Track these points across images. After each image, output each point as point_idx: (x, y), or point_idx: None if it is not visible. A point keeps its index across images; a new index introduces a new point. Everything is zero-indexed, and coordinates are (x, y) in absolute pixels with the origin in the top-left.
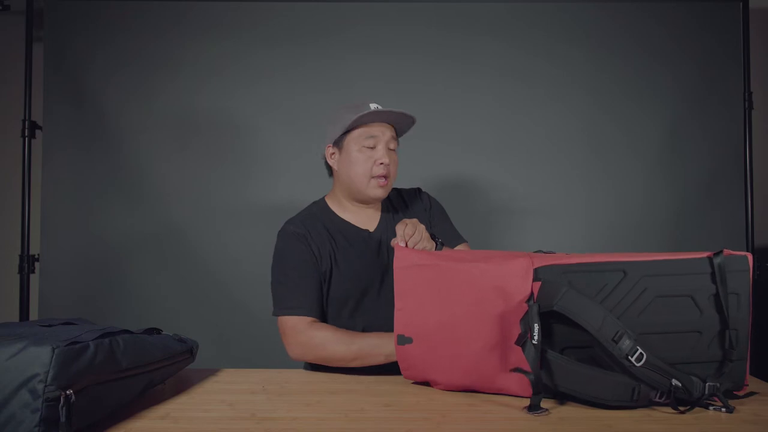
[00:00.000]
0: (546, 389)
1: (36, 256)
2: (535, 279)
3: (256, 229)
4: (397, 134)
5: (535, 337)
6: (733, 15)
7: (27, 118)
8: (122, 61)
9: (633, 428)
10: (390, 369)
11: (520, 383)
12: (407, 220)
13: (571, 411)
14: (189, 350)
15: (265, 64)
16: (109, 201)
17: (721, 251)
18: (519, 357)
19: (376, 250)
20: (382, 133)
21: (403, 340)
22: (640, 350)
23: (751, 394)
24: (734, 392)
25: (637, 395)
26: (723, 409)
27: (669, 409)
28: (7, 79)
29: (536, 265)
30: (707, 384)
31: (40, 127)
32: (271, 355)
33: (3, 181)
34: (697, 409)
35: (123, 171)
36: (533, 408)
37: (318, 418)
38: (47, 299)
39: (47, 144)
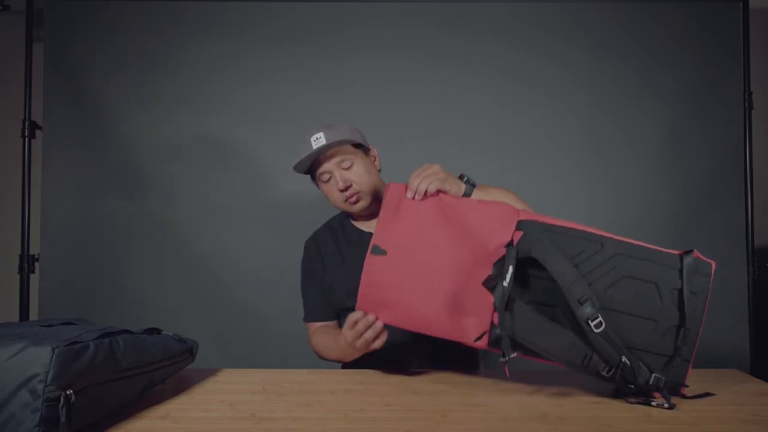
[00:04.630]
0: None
1: (36, 256)
2: (517, 229)
3: (256, 229)
4: (352, 142)
5: (507, 278)
6: (733, 15)
7: (27, 118)
8: (122, 61)
9: (633, 428)
10: (390, 369)
11: (476, 327)
12: (424, 169)
13: (572, 411)
14: (189, 350)
15: (265, 64)
16: (109, 201)
17: (692, 251)
18: (478, 304)
19: None
20: (329, 162)
21: (377, 251)
22: (600, 318)
23: (707, 394)
24: (682, 392)
25: (587, 362)
26: (665, 405)
27: (669, 410)
28: (7, 79)
29: (521, 218)
30: (653, 374)
31: (40, 127)
32: (271, 355)
33: (3, 181)
34: (645, 408)
35: (123, 171)
36: (495, 344)
37: (318, 418)
38: (47, 299)
39: (47, 144)
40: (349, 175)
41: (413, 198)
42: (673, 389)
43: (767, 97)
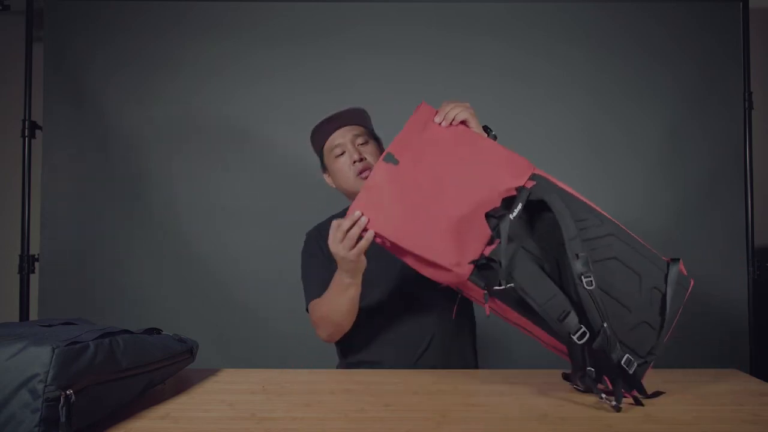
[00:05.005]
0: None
1: (36, 256)
2: (530, 179)
3: (256, 229)
4: (368, 127)
5: (515, 212)
6: (733, 15)
7: (27, 118)
8: (122, 61)
9: (633, 428)
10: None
11: (471, 254)
12: (456, 101)
13: (572, 411)
14: (189, 350)
15: (265, 64)
16: (109, 201)
17: (678, 260)
18: (478, 234)
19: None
20: (343, 136)
21: (389, 158)
22: (592, 278)
23: (658, 393)
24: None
25: (563, 317)
26: (613, 403)
27: (669, 410)
28: (7, 79)
29: (536, 171)
30: (626, 355)
31: (40, 127)
32: (271, 355)
33: (3, 181)
34: (644, 408)
35: (123, 171)
36: (479, 276)
37: (318, 418)
38: (47, 299)
39: (47, 144)
40: (363, 150)
41: (440, 123)
42: (632, 386)
43: (767, 97)
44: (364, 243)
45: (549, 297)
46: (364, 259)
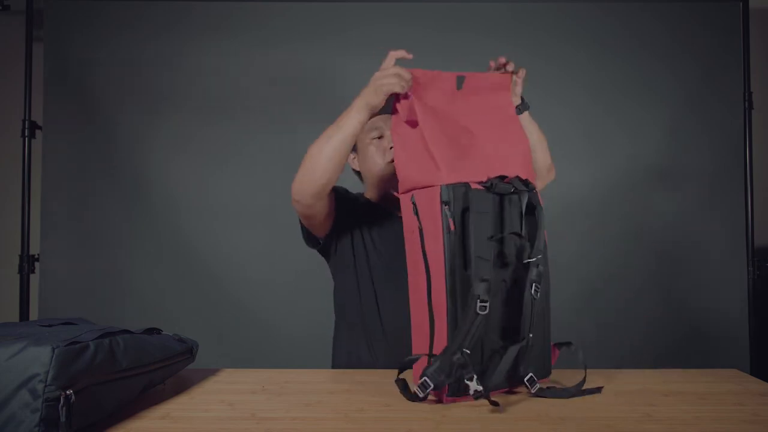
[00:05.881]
0: None
1: (36, 256)
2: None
3: (255, 229)
4: None
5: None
6: (733, 15)
7: (27, 118)
8: (122, 61)
9: (633, 428)
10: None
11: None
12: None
13: (572, 411)
14: (189, 350)
15: (265, 64)
16: (109, 201)
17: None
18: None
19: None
20: (384, 121)
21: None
22: (539, 288)
23: (599, 389)
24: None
25: (483, 278)
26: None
27: (669, 410)
28: (7, 79)
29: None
30: (530, 374)
31: (40, 127)
32: (271, 355)
33: (3, 181)
34: (645, 408)
35: (123, 171)
36: None
37: (318, 418)
38: (47, 299)
39: (47, 144)
40: None
41: (495, 66)
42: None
43: (767, 97)
44: (395, 81)
45: (486, 248)
46: (381, 100)
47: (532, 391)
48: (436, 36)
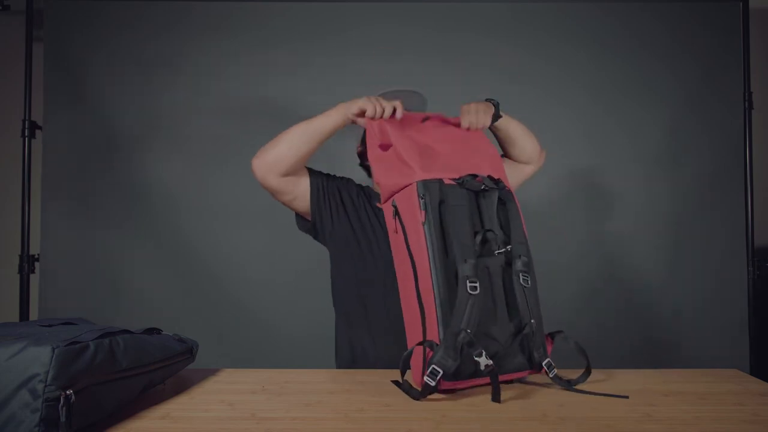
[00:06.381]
0: None
1: (36, 256)
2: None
3: (255, 230)
4: None
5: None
6: (733, 15)
7: (27, 118)
8: (122, 61)
9: (633, 428)
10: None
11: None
12: (472, 107)
13: (572, 411)
14: (189, 350)
15: (265, 64)
16: (108, 201)
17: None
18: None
19: None
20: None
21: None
22: (529, 278)
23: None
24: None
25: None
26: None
27: (669, 410)
28: (7, 79)
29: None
30: (548, 358)
31: (40, 127)
32: (271, 355)
33: (3, 181)
34: (645, 408)
35: (123, 171)
36: None
37: (318, 418)
38: (47, 299)
39: (47, 144)
40: None
41: (468, 128)
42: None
43: (767, 97)
44: (388, 110)
45: (466, 235)
46: (355, 110)
47: (551, 375)
48: (436, 36)
